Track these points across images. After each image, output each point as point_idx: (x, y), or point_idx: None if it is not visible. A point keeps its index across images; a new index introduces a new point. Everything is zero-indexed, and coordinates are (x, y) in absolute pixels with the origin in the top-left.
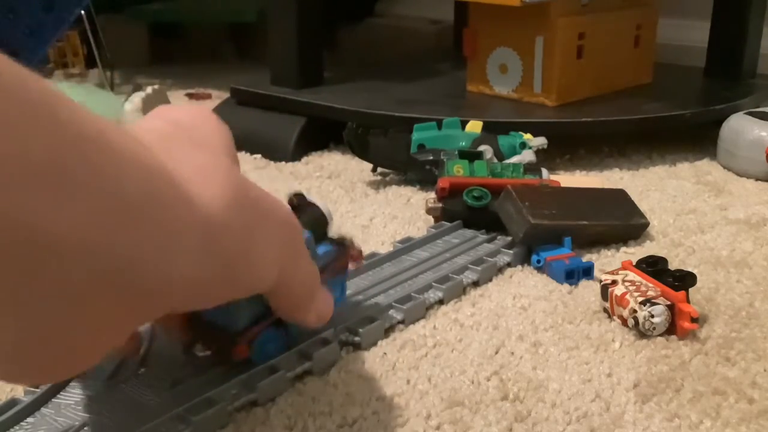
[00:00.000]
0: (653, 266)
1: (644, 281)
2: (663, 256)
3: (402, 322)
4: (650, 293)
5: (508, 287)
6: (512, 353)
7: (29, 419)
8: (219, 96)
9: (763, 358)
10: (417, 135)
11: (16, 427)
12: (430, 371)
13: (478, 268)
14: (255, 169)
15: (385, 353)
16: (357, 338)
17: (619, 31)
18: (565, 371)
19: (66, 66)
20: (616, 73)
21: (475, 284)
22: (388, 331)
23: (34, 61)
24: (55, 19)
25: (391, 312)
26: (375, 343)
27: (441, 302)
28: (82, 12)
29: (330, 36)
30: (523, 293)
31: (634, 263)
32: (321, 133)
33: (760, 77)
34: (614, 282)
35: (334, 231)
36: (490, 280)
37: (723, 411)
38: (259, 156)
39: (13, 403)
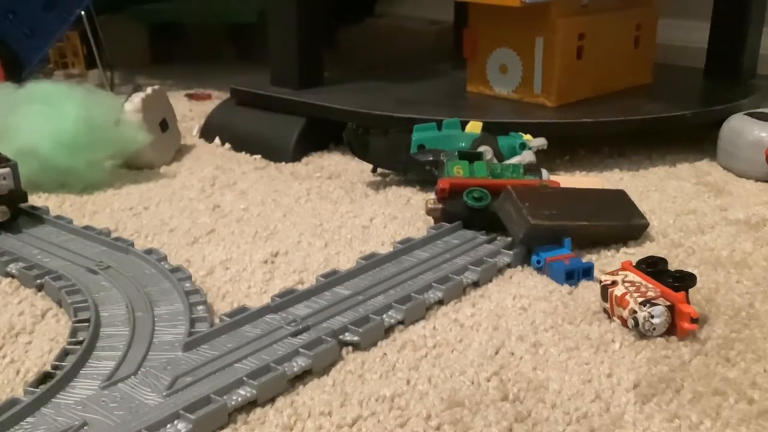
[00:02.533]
0: (653, 267)
1: (644, 282)
2: (663, 256)
3: (402, 322)
4: (650, 294)
5: (508, 288)
6: (512, 354)
7: (29, 419)
8: (219, 96)
9: (763, 359)
10: (417, 135)
11: (16, 427)
12: (430, 371)
13: (478, 269)
14: (255, 169)
15: (385, 353)
16: (357, 338)
17: (619, 32)
18: (565, 372)
19: (66, 66)
20: (616, 73)
21: (475, 285)
22: (388, 332)
23: (34, 61)
24: (56, 19)
25: (390, 311)
26: (375, 344)
27: (441, 302)
28: (83, 12)
29: (330, 36)
30: (523, 294)
31: (634, 264)
32: (321, 134)
33: (759, 78)
34: (614, 283)
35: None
36: (490, 280)
37: (723, 411)
38: (259, 156)
39: (13, 402)
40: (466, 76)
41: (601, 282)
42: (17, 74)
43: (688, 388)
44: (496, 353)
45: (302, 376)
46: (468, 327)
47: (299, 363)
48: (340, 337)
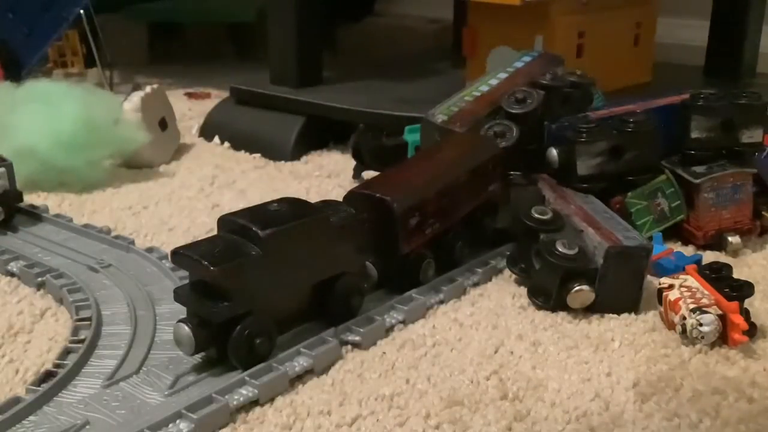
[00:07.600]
0: (717, 272)
1: (701, 288)
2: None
3: (402, 321)
4: (704, 301)
5: (507, 287)
6: (511, 352)
7: (31, 417)
8: (218, 95)
9: (762, 358)
10: (411, 137)
11: (18, 426)
12: (429, 371)
13: (480, 270)
14: (254, 168)
15: (384, 353)
16: (357, 338)
17: (618, 30)
18: (564, 370)
19: (65, 65)
20: (616, 71)
21: (475, 284)
22: (387, 331)
23: (33, 61)
24: (54, 18)
25: (392, 312)
26: (374, 343)
27: (441, 302)
28: (82, 12)
29: (330, 36)
30: (522, 293)
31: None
32: (320, 133)
33: (759, 76)
34: (671, 286)
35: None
36: (490, 279)
37: (722, 410)
38: (258, 155)
39: (15, 401)
40: (466, 74)
41: (659, 284)
42: (16, 73)
43: (687, 387)
44: (496, 352)
45: (301, 375)
46: (467, 326)
47: (300, 363)
48: (342, 336)
